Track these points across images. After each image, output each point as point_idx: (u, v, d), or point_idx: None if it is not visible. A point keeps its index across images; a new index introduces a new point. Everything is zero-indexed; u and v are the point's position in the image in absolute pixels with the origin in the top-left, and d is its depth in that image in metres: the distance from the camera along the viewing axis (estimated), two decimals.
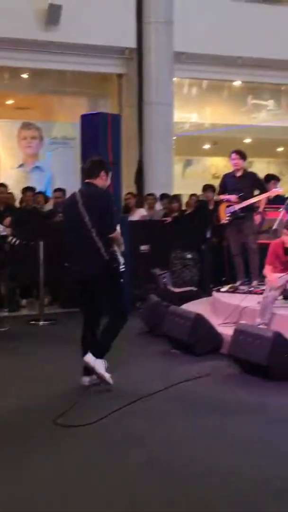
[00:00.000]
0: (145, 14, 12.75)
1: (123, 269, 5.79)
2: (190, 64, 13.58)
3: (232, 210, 8.71)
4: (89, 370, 5.73)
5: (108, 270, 5.68)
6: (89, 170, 5.90)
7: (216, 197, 9.99)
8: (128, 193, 11.59)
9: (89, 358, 5.65)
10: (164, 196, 11.78)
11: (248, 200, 8.65)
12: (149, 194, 11.92)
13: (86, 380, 5.79)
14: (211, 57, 13.53)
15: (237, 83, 15.52)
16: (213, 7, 13.34)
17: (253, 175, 9.10)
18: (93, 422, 4.77)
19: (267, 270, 7.27)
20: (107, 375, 5.69)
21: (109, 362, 5.77)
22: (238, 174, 8.84)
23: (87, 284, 5.78)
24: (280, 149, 18.56)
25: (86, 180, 5.89)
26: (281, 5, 14.25)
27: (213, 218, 9.30)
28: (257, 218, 8.89)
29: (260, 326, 6.68)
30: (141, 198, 11.96)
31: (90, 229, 5.61)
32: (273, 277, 7.00)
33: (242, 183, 8.76)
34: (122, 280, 5.85)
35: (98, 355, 5.66)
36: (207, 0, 13.46)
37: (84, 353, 5.71)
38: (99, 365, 5.66)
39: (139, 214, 11.12)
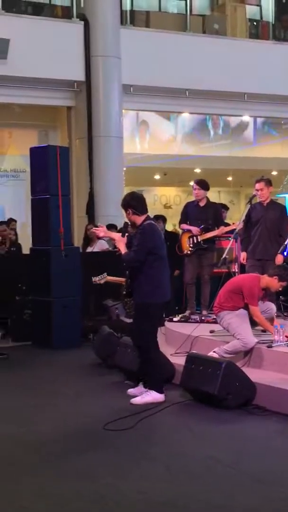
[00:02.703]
0: (93, 47, 12.88)
1: None
2: (138, 96, 13.73)
3: (195, 241, 8.72)
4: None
5: None
6: (144, 205, 6.40)
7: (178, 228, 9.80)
8: (90, 224, 11.57)
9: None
10: (110, 226, 11.78)
11: (211, 232, 8.61)
12: (110, 225, 11.89)
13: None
14: (159, 89, 13.71)
15: (186, 115, 15.74)
16: (160, 40, 13.55)
17: (215, 207, 9.04)
18: None
19: (260, 315, 6.87)
20: None
21: (66, 394, 5.72)
22: (201, 204, 8.81)
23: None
24: (229, 178, 18.83)
25: (147, 214, 6.35)
26: (225, 38, 14.53)
27: (175, 248, 9.18)
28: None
29: (213, 354, 6.69)
30: None
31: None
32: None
33: (205, 213, 8.74)
34: None
35: None
36: (153, 33, 13.68)
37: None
38: None
39: (100, 246, 11.03)
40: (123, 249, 6.24)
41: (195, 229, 8.67)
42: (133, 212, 6.22)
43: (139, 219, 6.26)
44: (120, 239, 6.40)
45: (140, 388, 6.45)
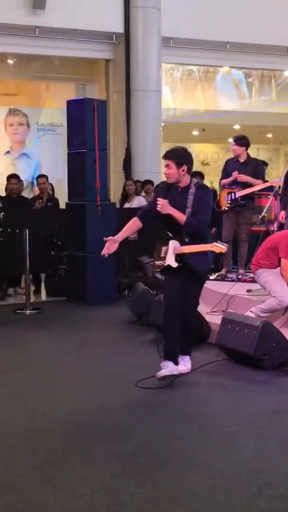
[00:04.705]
0: None
1: None
2: (178, 49, 13.44)
3: (232, 198, 8.56)
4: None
5: None
6: None
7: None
8: (129, 180, 11.46)
9: None
10: (147, 182, 11.62)
11: (248, 189, 8.45)
12: (147, 181, 11.71)
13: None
14: (199, 42, 13.39)
15: (226, 69, 15.38)
16: None
17: (256, 163, 8.88)
18: None
19: None
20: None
21: (101, 351, 5.97)
22: (241, 160, 8.66)
23: None
24: (269, 135, 18.48)
25: None
26: None
27: (214, 204, 9.01)
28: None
29: (250, 314, 6.58)
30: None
31: None
32: None
33: (245, 169, 8.58)
34: None
35: None
36: None
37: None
38: None
39: (138, 202, 10.88)
40: (178, 214, 5.54)
41: (235, 173, 8.47)
42: (188, 169, 5.59)
43: (187, 178, 5.64)
44: (172, 209, 5.55)
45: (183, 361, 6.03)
